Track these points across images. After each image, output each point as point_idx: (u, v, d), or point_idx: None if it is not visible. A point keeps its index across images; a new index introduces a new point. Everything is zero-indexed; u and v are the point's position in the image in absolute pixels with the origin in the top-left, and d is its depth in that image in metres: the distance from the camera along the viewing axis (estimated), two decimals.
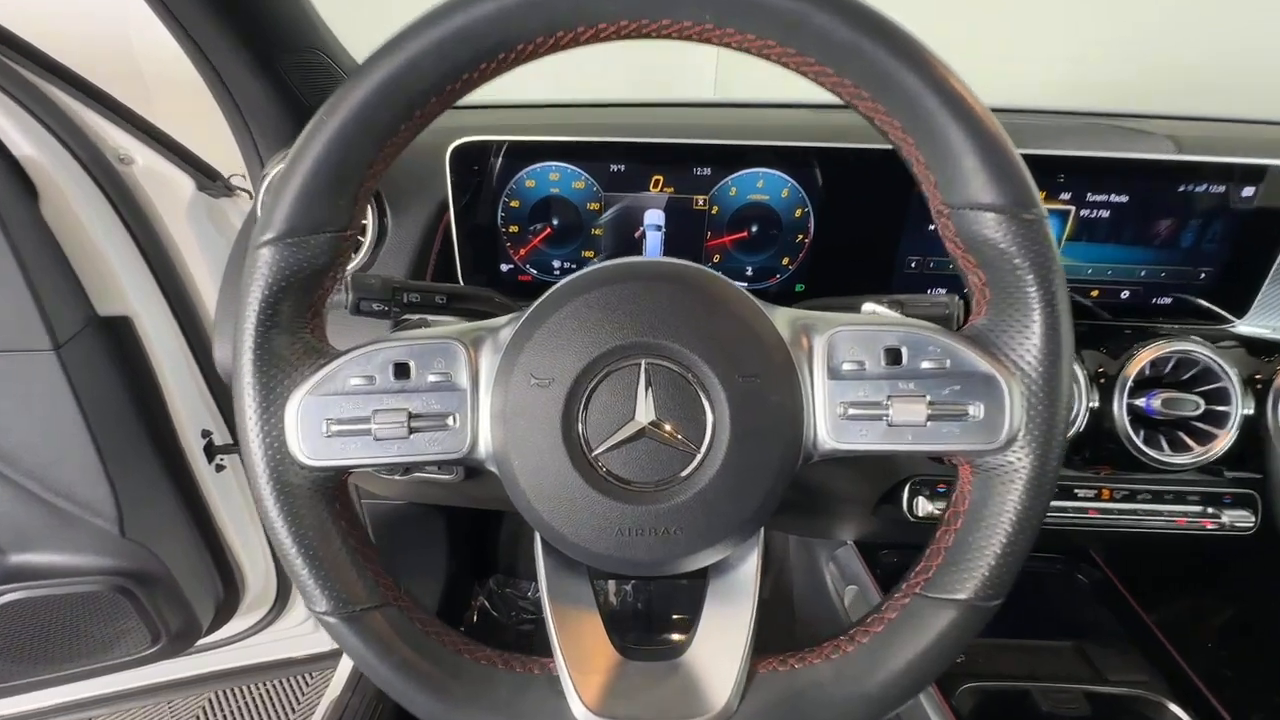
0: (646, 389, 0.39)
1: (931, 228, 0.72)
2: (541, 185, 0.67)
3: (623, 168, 0.66)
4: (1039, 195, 0.38)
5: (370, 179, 0.40)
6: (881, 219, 0.68)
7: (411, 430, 0.39)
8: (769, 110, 1.02)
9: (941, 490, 0.74)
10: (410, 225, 0.69)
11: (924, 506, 0.73)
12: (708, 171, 0.66)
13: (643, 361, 0.39)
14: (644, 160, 0.66)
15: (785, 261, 0.70)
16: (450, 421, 0.40)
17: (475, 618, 1.41)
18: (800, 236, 0.69)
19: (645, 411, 0.39)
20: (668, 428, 0.39)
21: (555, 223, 0.69)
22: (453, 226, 0.69)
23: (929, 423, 0.39)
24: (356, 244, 0.41)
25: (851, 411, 0.40)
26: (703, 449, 0.39)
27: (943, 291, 0.70)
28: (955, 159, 0.38)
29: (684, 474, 0.39)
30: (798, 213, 0.67)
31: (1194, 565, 0.91)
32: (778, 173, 0.66)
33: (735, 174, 0.66)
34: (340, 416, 0.39)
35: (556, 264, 0.71)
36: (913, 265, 0.70)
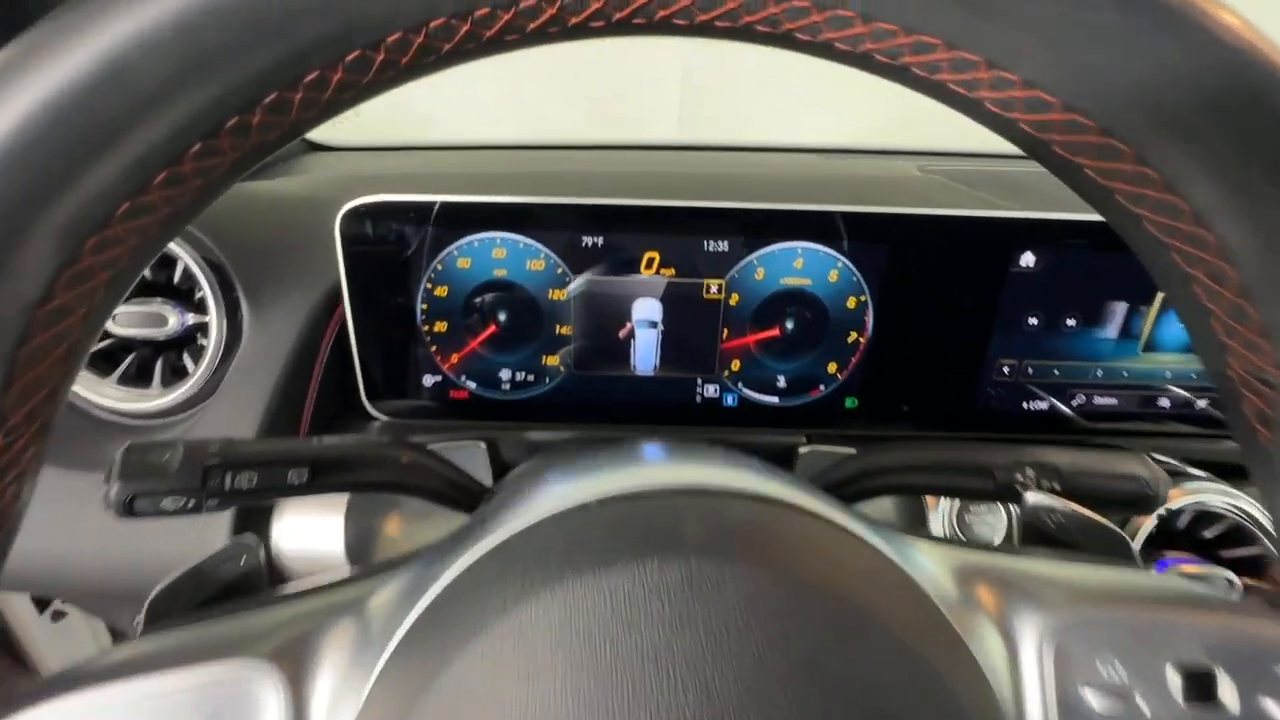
0: None
1: (1033, 322, 0.54)
2: (480, 265, 0.46)
3: (600, 241, 0.45)
4: None
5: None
6: (966, 309, 0.48)
7: None
8: (768, 155, 0.85)
9: None
10: (282, 324, 0.46)
11: None
12: (724, 246, 0.46)
13: None
14: (632, 230, 0.45)
15: (832, 368, 0.50)
16: None
17: None
18: (854, 335, 0.49)
19: None
20: None
21: (502, 318, 0.47)
22: (349, 325, 0.46)
23: None
24: (88, 341, 0.19)
25: None
26: None
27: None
28: None
29: None
30: (851, 302, 0.48)
31: None
32: (824, 248, 0.46)
33: (764, 249, 0.46)
34: None
35: (505, 375, 0.49)
36: (1005, 371, 0.50)
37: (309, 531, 0.44)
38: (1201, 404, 0.51)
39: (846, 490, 0.39)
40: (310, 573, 0.43)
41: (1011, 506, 0.45)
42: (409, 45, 0.18)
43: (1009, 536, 0.44)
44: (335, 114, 0.19)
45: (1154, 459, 0.38)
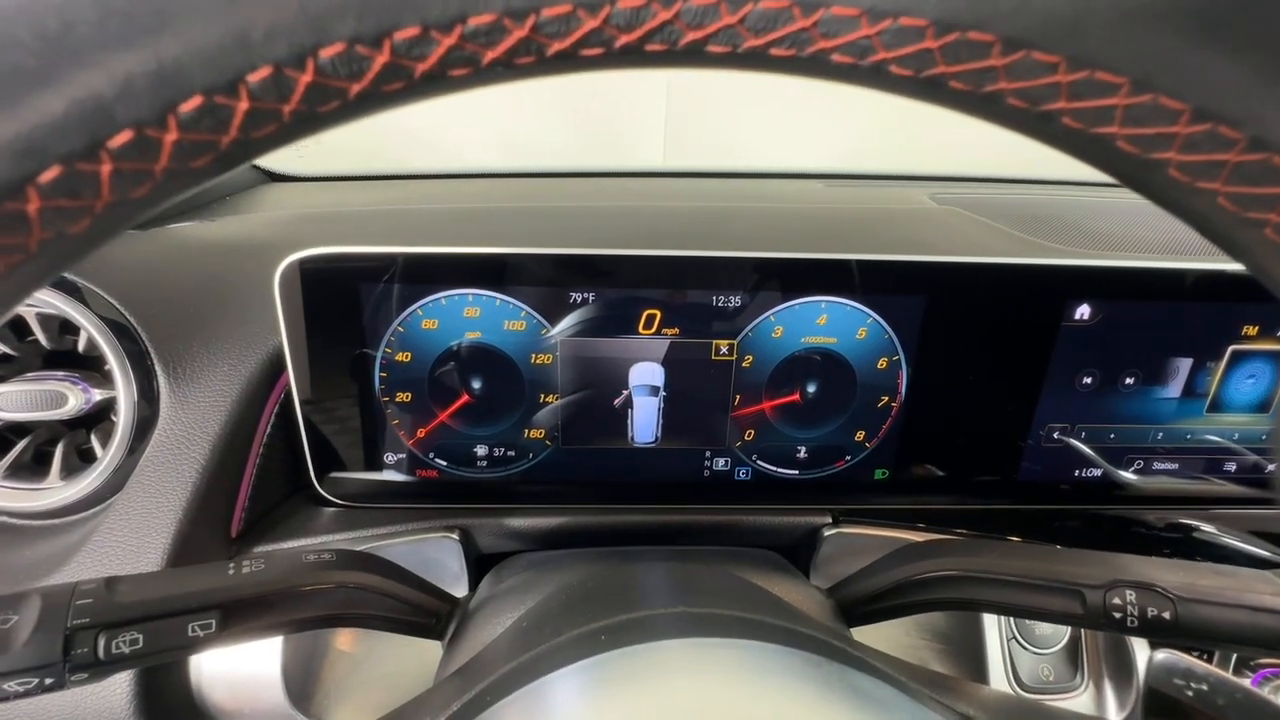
0: None
1: (1087, 381, 0.48)
2: (450, 327, 0.39)
3: (590, 297, 0.39)
4: None
5: None
6: (1012, 369, 0.42)
7: None
8: (766, 181, 0.79)
9: None
10: (210, 398, 0.38)
11: None
12: (736, 301, 0.39)
13: None
14: (628, 284, 0.39)
15: (860, 436, 0.43)
16: None
17: None
18: (885, 399, 0.42)
19: None
20: None
21: (476, 387, 0.40)
22: (293, 396, 0.39)
23: None
24: None
25: None
26: None
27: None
28: None
29: None
30: (882, 363, 0.41)
31: None
32: (852, 302, 0.40)
33: (782, 305, 0.39)
34: None
35: (481, 451, 0.42)
36: (1054, 437, 0.44)
37: (237, 649, 0.37)
38: (1273, 467, 0.45)
39: (891, 603, 0.32)
40: (238, 704, 0.35)
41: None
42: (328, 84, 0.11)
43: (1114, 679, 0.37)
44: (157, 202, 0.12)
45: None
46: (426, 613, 0.32)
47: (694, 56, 0.13)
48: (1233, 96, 0.12)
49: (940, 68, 0.13)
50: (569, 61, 0.13)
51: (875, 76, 0.13)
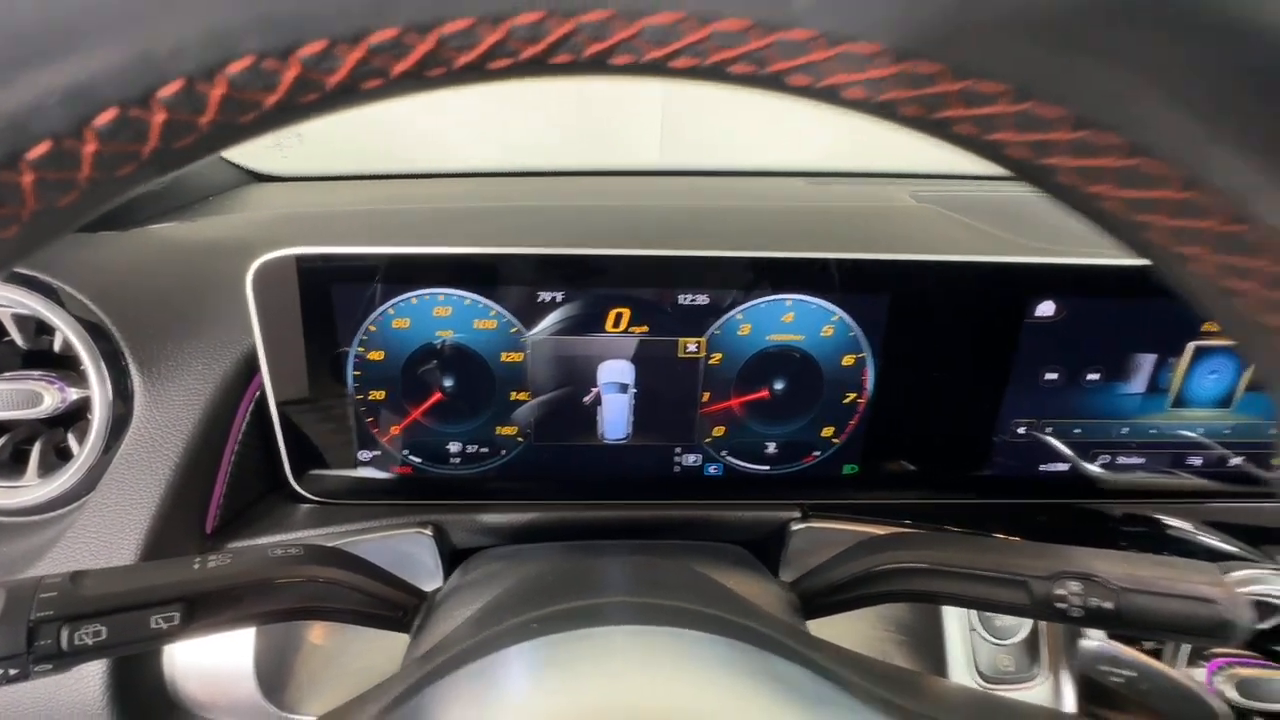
0: None
1: (1052, 377, 0.49)
2: (421, 326, 0.40)
3: (559, 296, 0.39)
4: None
5: None
6: (977, 365, 0.43)
7: None
8: (753, 180, 0.79)
9: None
10: (185, 396, 0.39)
11: None
12: (703, 299, 0.40)
13: None
14: (596, 284, 0.39)
15: (827, 432, 0.44)
16: None
17: None
18: (851, 395, 0.43)
19: None
20: None
21: (448, 385, 0.41)
22: (268, 394, 0.40)
23: None
24: None
25: None
26: None
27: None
28: None
29: None
30: (848, 359, 0.42)
31: None
32: (817, 300, 0.40)
33: (749, 303, 0.40)
34: None
35: (453, 448, 0.43)
36: (1020, 431, 0.45)
37: (210, 641, 0.37)
38: (1236, 461, 0.46)
39: (849, 595, 0.33)
40: (211, 696, 0.36)
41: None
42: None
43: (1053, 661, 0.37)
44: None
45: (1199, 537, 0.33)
46: (393, 606, 0.32)
47: (600, 67, 0.14)
48: (1104, 102, 0.12)
49: (839, 77, 0.13)
50: (479, 73, 0.13)
51: (777, 84, 0.14)
